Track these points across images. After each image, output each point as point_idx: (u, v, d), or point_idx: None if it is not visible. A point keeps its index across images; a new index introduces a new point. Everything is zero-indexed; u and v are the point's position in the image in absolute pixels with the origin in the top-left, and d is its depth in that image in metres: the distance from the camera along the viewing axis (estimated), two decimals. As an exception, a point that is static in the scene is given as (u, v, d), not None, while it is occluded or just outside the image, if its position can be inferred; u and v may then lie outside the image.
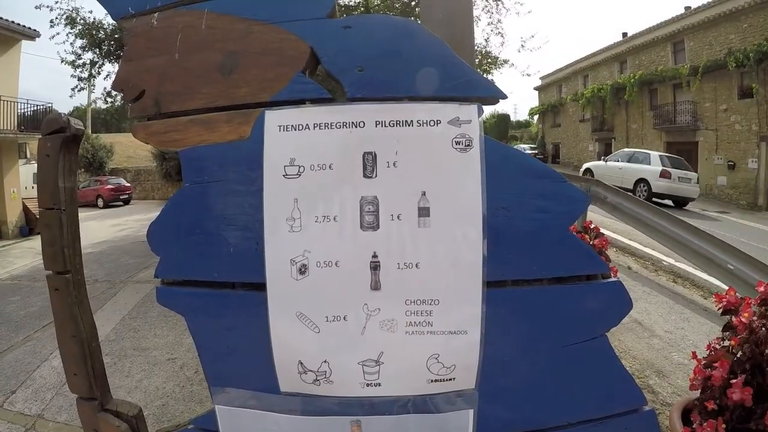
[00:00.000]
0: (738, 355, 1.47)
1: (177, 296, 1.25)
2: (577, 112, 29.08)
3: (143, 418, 1.42)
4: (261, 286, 1.18)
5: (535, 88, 35.61)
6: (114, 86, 1.32)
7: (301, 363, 1.19)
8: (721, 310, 1.58)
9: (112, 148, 25.73)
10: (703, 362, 1.52)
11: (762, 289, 1.52)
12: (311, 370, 1.18)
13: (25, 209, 16.01)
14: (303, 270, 1.16)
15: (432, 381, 1.18)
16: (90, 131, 27.10)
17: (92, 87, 11.35)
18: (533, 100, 34.69)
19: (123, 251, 11.06)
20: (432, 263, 1.15)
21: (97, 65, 10.87)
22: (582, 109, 28.26)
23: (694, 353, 1.60)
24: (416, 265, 1.15)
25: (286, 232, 1.16)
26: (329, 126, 1.16)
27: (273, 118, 1.18)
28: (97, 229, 14.06)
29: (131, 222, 16.15)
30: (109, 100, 11.54)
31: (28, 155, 18.75)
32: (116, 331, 5.68)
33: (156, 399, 3.72)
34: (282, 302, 1.17)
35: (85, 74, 10.93)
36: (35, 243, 13.33)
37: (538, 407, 1.22)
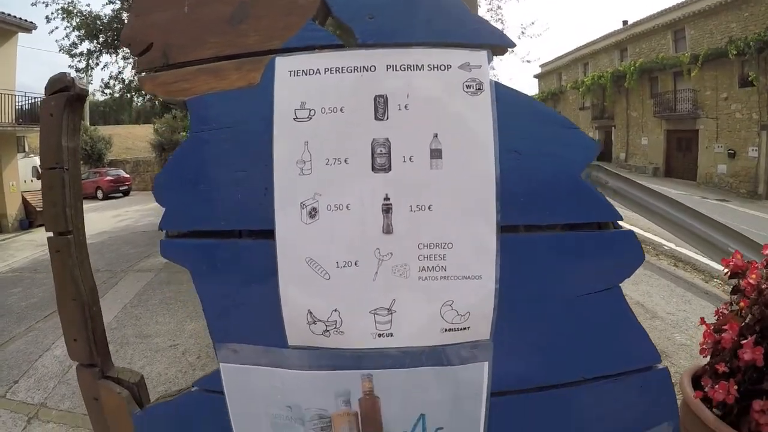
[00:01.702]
0: (747, 319, 1.46)
1: (182, 249, 1.22)
2: (577, 100, 29.01)
3: (145, 386, 1.40)
4: (269, 234, 1.14)
5: (535, 76, 35.49)
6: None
7: (311, 312, 1.15)
8: (728, 274, 1.57)
9: (110, 140, 25.67)
10: (713, 326, 1.51)
11: None
12: (321, 320, 1.15)
13: (25, 202, 15.97)
14: (313, 213, 1.13)
15: (446, 330, 1.15)
16: (88, 123, 27.04)
17: (90, 78, 11.26)
18: (533, 88, 34.52)
19: (124, 241, 11.04)
20: (445, 206, 1.12)
21: (94, 55, 10.80)
22: (582, 97, 28.20)
23: (702, 319, 1.58)
24: (429, 208, 1.12)
25: (296, 175, 1.13)
26: (340, 70, 1.14)
27: (283, 63, 1.16)
28: (98, 220, 14.02)
29: (131, 212, 16.13)
30: (107, 91, 11.48)
31: (27, 149, 18.65)
32: (118, 320, 5.68)
33: (158, 385, 3.71)
34: (291, 248, 1.14)
35: (83, 64, 10.85)
36: (35, 236, 13.33)
37: (554, 361, 1.20)
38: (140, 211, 15.88)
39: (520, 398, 1.21)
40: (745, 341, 1.37)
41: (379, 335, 1.15)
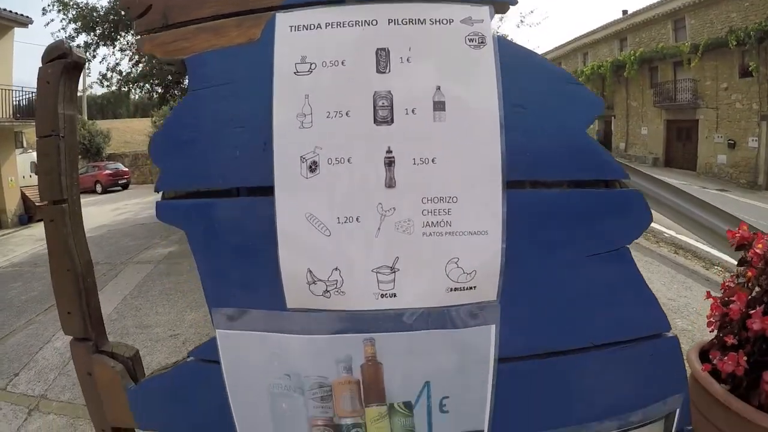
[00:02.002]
0: (755, 292, 1.44)
1: (178, 210, 1.19)
2: (577, 91, 28.85)
3: (140, 360, 1.37)
4: (268, 190, 1.11)
5: (534, 68, 35.25)
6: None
7: (311, 272, 1.12)
8: (734, 246, 1.54)
9: (109, 134, 25.65)
10: (720, 299, 1.49)
11: None
12: (321, 280, 1.11)
13: (24, 197, 15.98)
14: (313, 167, 1.09)
15: (451, 290, 1.12)
16: (86, 117, 27.00)
17: (87, 71, 11.22)
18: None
19: (123, 234, 11.05)
20: (449, 159, 1.09)
21: (91, 48, 10.74)
22: (581, 87, 28.05)
23: (708, 293, 1.57)
24: (432, 161, 1.09)
25: (297, 129, 1.10)
26: (341, 25, 1.11)
27: (284, 19, 1.13)
28: (97, 214, 14.02)
29: (130, 206, 16.13)
30: (105, 83, 11.44)
31: (25, 144, 18.63)
32: (118, 311, 5.69)
33: (159, 374, 3.72)
34: (290, 204, 1.10)
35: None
36: (35, 231, 13.34)
37: (562, 325, 1.17)
38: (140, 204, 15.88)
39: (528, 365, 1.18)
40: (753, 311, 1.35)
41: (382, 295, 1.11)
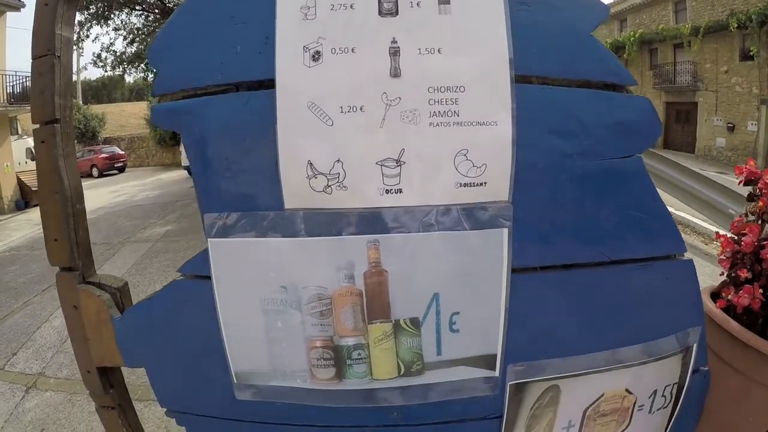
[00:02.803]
0: (767, 227, 1.42)
1: (174, 111, 1.14)
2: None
3: (128, 293, 1.32)
4: (269, 83, 1.07)
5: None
6: None
7: (311, 164, 1.05)
8: (742, 182, 1.51)
9: (104, 118, 25.50)
10: (731, 234, 1.47)
11: None
12: (322, 173, 1.05)
13: (20, 183, 15.97)
14: (316, 57, 1.05)
15: (461, 185, 1.06)
16: (81, 102, 26.83)
17: (81, 51, 11.08)
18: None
19: (120, 215, 11.03)
20: (455, 50, 1.05)
21: (85, 27, 10.61)
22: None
23: (717, 233, 1.55)
24: (438, 51, 1.05)
25: (300, 20, 1.05)
26: None
27: None
28: (94, 197, 13.98)
29: (127, 188, 16.11)
30: (99, 63, 11.31)
31: (20, 131, 18.52)
32: (116, 289, 5.66)
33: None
34: (292, 93, 1.05)
35: (73, 36, 10.64)
36: (32, 215, 13.32)
37: (578, 235, 1.14)
38: (137, 186, 15.85)
39: (542, 278, 1.14)
40: (767, 242, 1.33)
41: (387, 191, 1.06)
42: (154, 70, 1.15)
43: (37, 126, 1.24)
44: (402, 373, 1.14)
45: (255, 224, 1.10)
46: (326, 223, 1.08)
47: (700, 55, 19.51)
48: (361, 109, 1.04)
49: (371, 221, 1.08)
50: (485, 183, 1.07)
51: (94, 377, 1.33)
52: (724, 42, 18.40)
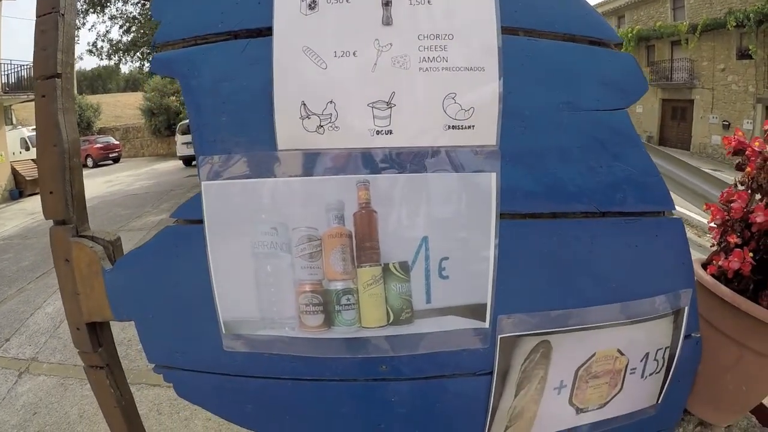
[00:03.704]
0: (757, 196, 1.42)
1: (174, 59, 1.15)
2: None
3: (121, 248, 1.32)
4: (267, 31, 1.10)
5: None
6: None
7: (305, 105, 1.08)
8: (731, 152, 1.51)
9: (99, 108, 25.37)
10: (721, 202, 1.47)
11: None
12: (315, 114, 1.08)
13: (14, 172, 15.89)
14: (312, 5, 1.07)
15: (449, 127, 1.09)
16: (76, 92, 26.69)
17: (77, 39, 11.00)
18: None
19: (114, 204, 11.00)
20: (445, 1, 1.09)
21: (80, 15, 10.54)
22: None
23: (707, 204, 1.55)
24: (428, 2, 1.08)
25: None
26: None
27: None
28: (88, 186, 13.72)
29: (122, 177, 16.07)
30: (95, 52, 11.25)
31: (14, 121, 18.41)
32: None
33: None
34: (288, 38, 1.08)
35: None
36: (26, 205, 13.26)
37: (566, 184, 1.15)
38: (132, 176, 15.82)
39: (531, 225, 1.16)
40: (755, 206, 1.33)
41: (378, 132, 1.09)
42: (157, 20, 1.16)
43: (38, 81, 1.24)
44: (391, 321, 1.14)
45: (248, 165, 1.12)
46: (318, 163, 1.10)
47: (697, 53, 19.55)
48: (354, 53, 1.08)
49: (362, 162, 1.10)
50: (473, 126, 1.10)
51: (83, 334, 1.33)
52: (721, 40, 18.45)
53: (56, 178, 1.24)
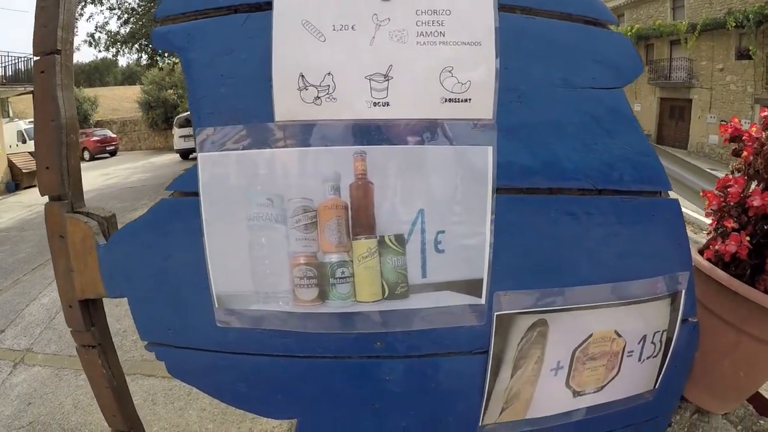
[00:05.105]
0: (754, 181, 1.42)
1: (174, 32, 1.15)
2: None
3: (116, 224, 1.32)
4: (266, 5, 1.10)
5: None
6: None
7: (303, 76, 1.08)
8: (727, 139, 1.51)
9: (96, 101, 25.28)
10: (717, 187, 1.47)
11: (766, 113, 1.46)
12: (313, 85, 1.08)
13: (11, 165, 15.81)
14: None
15: (446, 100, 1.09)
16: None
17: (75, 30, 10.96)
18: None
19: (111, 197, 10.97)
20: None
21: (79, 6, 10.47)
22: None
23: (704, 191, 1.55)
24: None
25: None
26: None
27: None
28: (86, 180, 13.70)
29: (119, 171, 15.99)
30: (93, 43, 11.18)
31: (11, 114, 18.35)
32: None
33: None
34: (287, 12, 1.09)
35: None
36: (22, 197, 13.21)
37: (563, 160, 1.15)
38: (129, 169, 15.76)
39: (528, 200, 1.15)
40: (752, 190, 1.33)
41: (375, 104, 1.09)
42: None
43: (38, 57, 1.24)
44: (386, 295, 1.14)
45: (245, 137, 1.12)
46: (314, 134, 1.10)
47: (696, 53, 19.55)
48: (352, 27, 1.08)
49: (358, 133, 1.10)
50: (469, 100, 1.10)
51: (76, 312, 1.32)
52: (720, 40, 18.44)
53: (53, 153, 1.24)
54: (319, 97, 1.09)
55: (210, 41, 1.13)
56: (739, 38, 17.76)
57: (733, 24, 17.26)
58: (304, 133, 1.10)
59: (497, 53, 1.10)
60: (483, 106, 1.10)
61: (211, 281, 1.17)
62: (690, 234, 5.49)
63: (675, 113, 21.19)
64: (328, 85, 1.08)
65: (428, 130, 1.10)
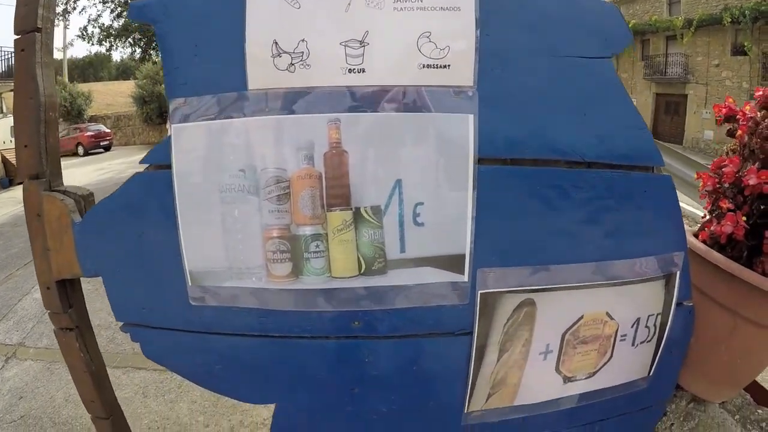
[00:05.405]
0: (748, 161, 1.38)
1: (149, 4, 1.12)
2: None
3: (93, 202, 1.29)
4: None
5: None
6: None
7: (276, 44, 1.05)
8: (721, 119, 1.48)
9: (90, 96, 25.11)
10: (712, 168, 1.43)
11: (760, 92, 1.42)
12: (286, 52, 1.05)
13: (4, 161, 15.74)
14: None
15: (424, 66, 1.06)
16: (66, 80, 26.46)
17: (67, 23, 10.87)
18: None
19: (106, 192, 10.59)
20: None
21: (72, -1, 10.41)
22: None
23: (698, 173, 1.51)
24: None
25: None
26: None
27: None
28: (79, 175, 13.79)
29: (114, 165, 15.88)
30: (85, 36, 11.10)
31: (5, 109, 18.23)
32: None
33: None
34: None
35: (59, 8, 10.43)
36: (15, 193, 13.13)
37: (548, 129, 1.11)
38: (124, 164, 15.64)
39: (512, 172, 1.11)
40: (747, 169, 1.29)
41: (350, 70, 1.05)
42: None
43: (18, 35, 1.22)
44: (363, 270, 1.10)
45: (218, 106, 1.09)
46: (288, 101, 1.06)
47: (691, 48, 19.57)
48: None
49: (333, 100, 1.06)
50: (449, 66, 1.06)
51: (53, 294, 1.30)
52: (716, 36, 18.46)
53: (31, 131, 1.22)
54: (293, 64, 1.05)
55: (185, 11, 1.10)
56: (735, 34, 17.79)
57: (729, 20, 17.28)
58: (277, 101, 1.06)
59: (477, 18, 1.06)
60: (463, 72, 1.07)
61: (183, 256, 1.13)
62: (686, 228, 5.51)
63: (670, 109, 21.20)
64: (302, 52, 1.05)
65: (405, 97, 1.06)
